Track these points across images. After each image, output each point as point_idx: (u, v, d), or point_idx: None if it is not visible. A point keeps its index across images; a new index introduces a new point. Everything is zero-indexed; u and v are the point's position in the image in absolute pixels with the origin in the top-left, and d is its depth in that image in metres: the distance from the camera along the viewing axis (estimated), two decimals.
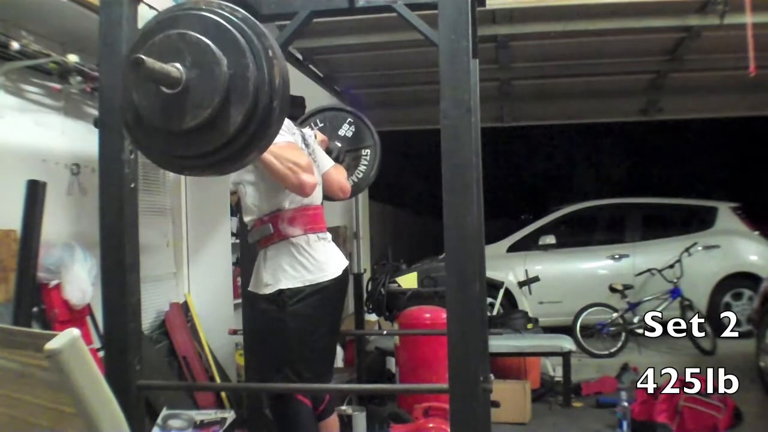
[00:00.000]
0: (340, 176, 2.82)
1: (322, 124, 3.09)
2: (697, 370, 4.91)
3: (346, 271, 2.62)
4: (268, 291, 2.49)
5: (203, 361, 4.02)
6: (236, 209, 3.82)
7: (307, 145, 2.65)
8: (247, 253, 2.83)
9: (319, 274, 2.49)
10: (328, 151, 2.94)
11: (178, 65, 1.43)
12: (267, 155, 2.20)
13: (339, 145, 3.03)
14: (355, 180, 3.06)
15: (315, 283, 2.47)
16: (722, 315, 7.09)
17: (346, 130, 3.08)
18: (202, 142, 1.45)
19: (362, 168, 3.08)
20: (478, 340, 1.73)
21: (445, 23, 1.67)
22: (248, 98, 1.42)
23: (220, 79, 1.41)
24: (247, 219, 2.62)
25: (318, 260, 2.50)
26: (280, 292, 2.46)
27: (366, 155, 3.08)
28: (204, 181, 4.33)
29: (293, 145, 2.44)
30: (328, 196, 2.81)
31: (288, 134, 2.42)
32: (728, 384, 4.39)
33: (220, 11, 1.47)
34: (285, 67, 1.49)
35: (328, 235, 2.66)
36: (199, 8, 1.49)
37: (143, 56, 1.36)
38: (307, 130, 2.78)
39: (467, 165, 1.66)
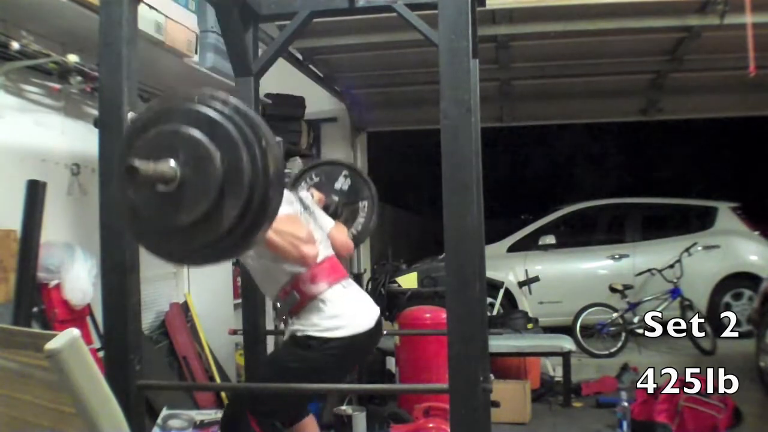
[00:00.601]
0: (341, 235, 2.81)
1: (318, 179, 3.09)
2: (697, 370, 4.92)
3: (378, 323, 2.59)
4: (297, 334, 2.48)
5: (203, 361, 4.02)
6: None
7: (306, 208, 2.65)
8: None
9: (351, 326, 2.47)
10: (326, 207, 2.94)
11: (171, 162, 1.41)
12: (269, 232, 2.19)
13: (336, 198, 3.03)
14: (354, 233, 3.06)
15: (346, 336, 2.45)
16: (722, 315, 7.10)
17: (342, 183, 3.08)
18: (199, 237, 1.45)
19: (360, 220, 3.08)
20: (478, 340, 1.73)
21: (445, 23, 1.67)
22: (243, 191, 1.41)
23: (215, 175, 1.40)
24: (268, 296, 2.61)
25: (348, 313, 2.48)
26: (309, 337, 2.44)
27: (363, 207, 3.09)
28: None
29: (292, 218, 2.42)
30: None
31: (286, 204, 2.41)
32: (728, 384, 4.40)
33: (211, 103, 1.45)
34: (279, 153, 1.49)
35: (352, 282, 2.65)
36: (190, 101, 1.47)
37: (137, 164, 1.36)
38: (303, 193, 2.78)
39: (467, 165, 1.67)
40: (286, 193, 2.51)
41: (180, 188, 1.42)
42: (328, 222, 2.77)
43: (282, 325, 2.60)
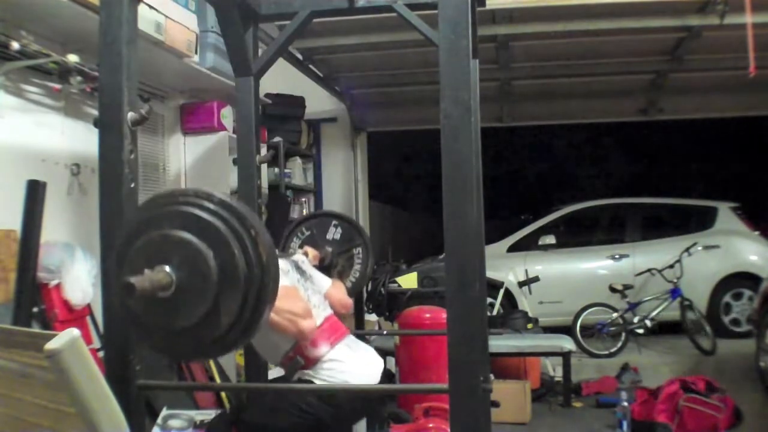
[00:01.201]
0: (339, 293, 2.81)
1: (309, 232, 3.09)
2: (697, 370, 4.92)
3: (383, 375, 2.60)
4: (303, 377, 2.48)
5: (203, 361, 4.02)
6: None
7: (302, 274, 2.64)
8: None
9: (355, 381, 2.48)
10: (322, 259, 2.94)
11: (167, 268, 1.41)
12: None
13: (329, 249, 3.03)
14: (353, 281, 3.06)
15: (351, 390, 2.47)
16: (722, 315, 7.11)
17: (333, 233, 3.09)
18: (202, 336, 1.46)
19: (357, 267, 3.08)
20: (478, 340, 1.73)
21: (445, 23, 1.67)
22: (240, 285, 1.41)
23: (210, 274, 1.40)
24: (272, 363, 2.60)
25: (352, 371, 2.49)
26: (312, 382, 2.45)
27: (358, 254, 3.09)
28: (204, 181, 4.34)
29: (289, 292, 2.41)
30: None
31: (282, 276, 2.40)
32: (728, 384, 4.40)
33: (196, 201, 1.45)
34: (269, 240, 1.48)
35: (354, 338, 2.66)
36: (175, 202, 1.47)
37: (132, 280, 1.36)
38: (298, 256, 2.77)
39: (467, 165, 1.66)
40: (281, 262, 2.49)
41: (178, 292, 1.42)
42: (325, 282, 2.77)
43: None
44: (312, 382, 2.44)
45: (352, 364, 2.50)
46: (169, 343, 1.51)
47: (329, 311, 2.63)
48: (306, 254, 2.86)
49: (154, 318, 1.45)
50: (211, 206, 1.44)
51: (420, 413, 3.60)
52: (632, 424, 4.00)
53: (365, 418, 2.76)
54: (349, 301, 2.89)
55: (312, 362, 2.46)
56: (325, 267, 2.95)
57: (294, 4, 2.66)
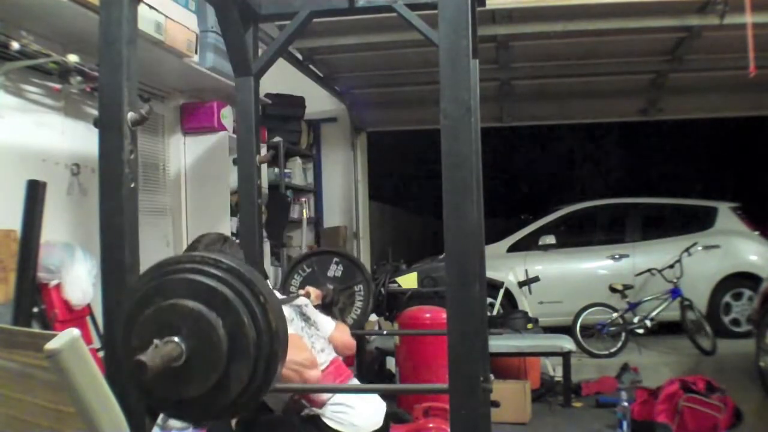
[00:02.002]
0: (343, 335, 2.82)
1: (310, 269, 3.11)
2: (697, 370, 4.92)
3: (386, 420, 2.59)
4: (309, 413, 2.48)
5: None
6: (236, 209, 3.82)
7: (306, 320, 2.64)
8: (248, 254, 2.82)
9: (358, 426, 2.48)
10: (323, 298, 2.95)
11: (176, 339, 1.40)
12: None
13: (330, 287, 3.05)
14: (354, 318, 3.08)
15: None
16: (722, 315, 7.12)
17: (334, 270, 3.11)
18: (214, 402, 1.45)
19: (358, 304, 3.11)
20: (478, 340, 1.73)
21: (445, 23, 1.67)
22: (250, 352, 1.41)
23: (219, 343, 1.39)
24: (276, 409, 2.60)
25: (361, 414, 2.49)
26: (321, 420, 2.45)
27: (359, 291, 3.11)
28: (204, 181, 4.34)
29: (293, 341, 2.40)
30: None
31: (288, 321, 2.42)
32: (728, 384, 4.40)
33: (203, 268, 1.44)
34: (278, 305, 1.48)
35: (356, 380, 2.67)
36: (182, 270, 1.46)
37: (144, 359, 1.34)
38: (301, 300, 2.77)
39: (467, 165, 1.66)
40: (285, 310, 2.50)
41: (188, 362, 1.41)
42: (328, 326, 2.77)
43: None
44: (320, 419, 2.45)
45: (359, 407, 2.50)
46: (181, 410, 1.51)
47: (333, 354, 2.64)
48: (308, 295, 2.87)
49: (165, 389, 1.45)
50: (219, 273, 1.43)
51: (420, 413, 3.60)
52: (632, 424, 4.00)
53: None
54: (353, 342, 2.89)
55: (318, 405, 2.47)
56: (326, 305, 2.96)
57: (294, 4, 2.66)
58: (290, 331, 2.38)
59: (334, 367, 2.57)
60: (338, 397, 2.48)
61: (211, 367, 1.40)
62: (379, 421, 2.56)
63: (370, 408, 2.58)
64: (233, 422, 2.56)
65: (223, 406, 1.46)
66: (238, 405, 1.47)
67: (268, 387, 1.48)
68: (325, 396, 2.47)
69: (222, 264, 1.45)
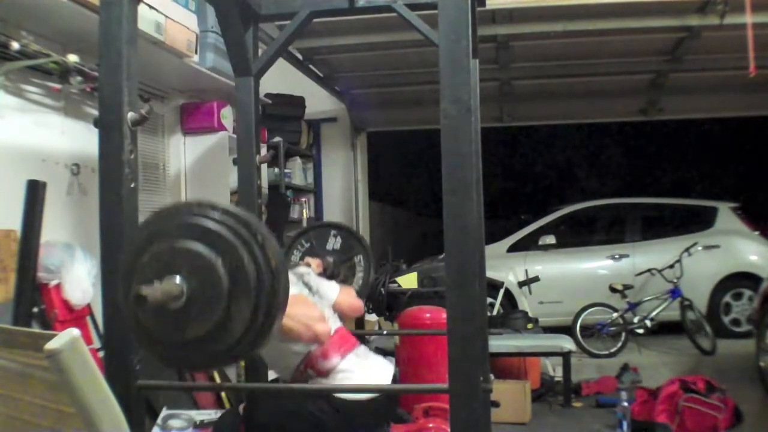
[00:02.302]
0: (349, 298, 2.81)
1: (309, 244, 3.10)
2: (697, 370, 4.91)
3: (394, 381, 2.58)
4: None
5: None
6: None
7: (309, 288, 2.63)
8: None
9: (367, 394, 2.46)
10: (324, 270, 2.95)
11: (177, 279, 1.41)
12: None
13: (331, 259, 3.04)
14: (356, 289, 3.05)
15: (361, 401, 2.43)
16: (722, 315, 7.12)
17: (333, 243, 3.10)
18: (215, 345, 1.45)
19: (360, 275, 3.10)
20: (478, 340, 1.73)
21: (445, 23, 1.67)
22: (251, 292, 1.41)
23: (220, 282, 1.40)
24: (284, 378, 2.59)
25: (365, 381, 2.48)
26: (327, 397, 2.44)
27: (359, 261, 3.10)
28: (204, 181, 4.34)
29: (300, 298, 2.42)
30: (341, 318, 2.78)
31: (291, 286, 2.41)
32: (728, 384, 4.40)
33: (200, 212, 1.46)
34: (277, 246, 1.49)
35: (365, 348, 2.65)
36: (179, 214, 1.49)
37: (144, 291, 1.36)
38: (302, 269, 2.77)
39: (467, 165, 1.66)
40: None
41: (188, 303, 1.41)
42: (332, 292, 2.76)
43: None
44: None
45: (363, 374, 2.49)
46: (180, 353, 1.51)
47: (339, 323, 2.63)
48: (308, 265, 2.86)
49: (166, 330, 1.45)
50: (216, 215, 1.45)
51: (420, 413, 3.60)
52: (632, 424, 4.00)
53: (383, 423, 2.73)
54: (360, 304, 2.88)
55: (324, 374, 2.46)
56: (327, 278, 2.95)
57: (294, 4, 2.66)
58: (296, 292, 2.40)
59: (339, 336, 2.55)
60: (343, 365, 2.46)
61: (212, 307, 1.40)
62: (385, 382, 2.53)
63: (375, 372, 2.56)
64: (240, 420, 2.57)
65: (227, 347, 1.45)
66: (240, 348, 1.46)
67: (270, 327, 1.47)
68: (330, 363, 2.45)
69: (218, 207, 1.47)
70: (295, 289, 2.42)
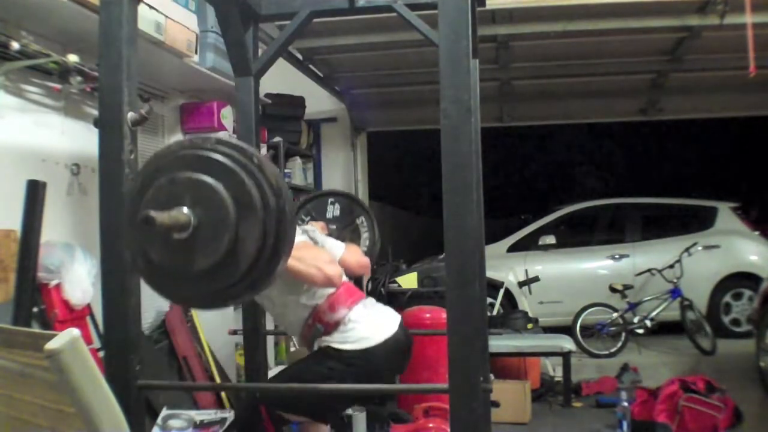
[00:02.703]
0: (355, 255, 2.81)
1: (308, 217, 3.10)
2: (697, 370, 4.91)
3: (403, 329, 2.59)
4: (321, 344, 2.49)
5: (203, 361, 4.02)
6: None
7: (316, 242, 2.65)
8: None
9: (374, 339, 2.47)
10: (329, 236, 2.95)
11: (185, 209, 1.43)
12: (290, 259, 2.22)
13: (333, 227, 3.05)
14: (365, 249, 3.06)
15: (368, 347, 2.46)
16: (722, 315, 7.12)
17: (332, 211, 3.11)
18: (220, 279, 1.46)
19: (365, 236, 3.10)
20: (478, 340, 1.73)
21: (445, 23, 1.67)
22: (257, 210, 1.43)
23: (228, 215, 1.42)
24: (292, 334, 2.62)
25: (371, 330, 2.49)
26: (332, 348, 2.46)
27: (362, 223, 3.10)
28: None
29: (308, 244, 2.45)
30: (349, 276, 2.79)
31: (299, 235, 2.42)
32: (728, 384, 4.40)
33: (194, 145, 1.50)
34: (274, 167, 1.51)
35: (371, 300, 2.66)
36: (174, 151, 1.53)
37: (153, 214, 1.37)
38: (307, 227, 2.78)
39: (467, 165, 1.66)
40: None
41: (195, 234, 1.42)
42: (338, 249, 2.76)
43: (307, 350, 2.60)
44: (331, 347, 2.45)
45: (368, 323, 2.50)
46: (185, 287, 1.51)
47: (344, 278, 2.64)
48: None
49: (171, 261, 1.46)
50: (209, 145, 1.48)
51: (420, 413, 3.60)
52: (632, 424, 4.00)
53: (394, 373, 2.75)
54: (366, 260, 2.88)
55: (332, 327, 2.47)
56: None
57: (294, 4, 2.66)
58: (304, 239, 2.43)
59: (345, 288, 2.57)
60: (350, 316, 2.48)
61: (219, 238, 1.42)
62: (392, 329, 2.54)
63: (382, 319, 2.57)
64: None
65: (232, 282, 1.45)
66: (247, 282, 1.46)
67: (278, 262, 1.47)
68: (338, 315, 2.47)
69: (210, 138, 1.51)
70: (301, 237, 2.44)
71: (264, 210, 1.43)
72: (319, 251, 2.45)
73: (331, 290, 2.50)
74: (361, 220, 3.10)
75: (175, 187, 1.45)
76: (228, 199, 1.42)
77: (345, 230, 3.07)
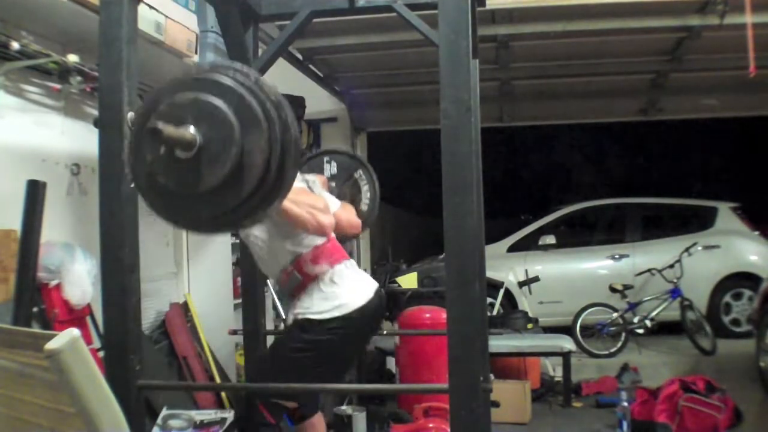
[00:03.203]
0: (348, 215, 2.82)
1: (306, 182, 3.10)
2: (697, 370, 4.90)
3: (379, 296, 2.60)
4: (297, 317, 2.50)
5: (203, 361, 4.02)
6: None
7: (312, 192, 2.65)
8: (247, 253, 2.83)
9: (349, 305, 2.48)
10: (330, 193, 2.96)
11: (191, 128, 1.43)
12: (285, 201, 2.19)
13: (333, 185, 3.04)
14: (367, 203, 3.06)
15: (345, 314, 2.47)
16: (722, 315, 7.11)
17: (329, 169, 3.10)
18: (216, 204, 1.46)
19: (365, 188, 3.09)
20: (478, 340, 1.73)
21: (445, 23, 1.67)
22: (260, 122, 1.43)
23: (228, 120, 1.43)
24: (271, 277, 2.62)
25: (346, 293, 2.50)
26: (308, 320, 2.47)
27: (361, 176, 3.09)
28: None
29: (305, 190, 2.46)
30: (340, 236, 2.78)
31: (298, 181, 2.43)
32: (728, 384, 4.40)
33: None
34: (271, 84, 1.52)
35: (353, 262, 2.67)
36: (172, 82, 1.54)
37: (160, 126, 1.37)
38: (308, 176, 2.77)
39: (467, 165, 1.67)
40: None
41: (200, 153, 1.43)
42: (334, 203, 2.77)
43: (282, 325, 2.62)
44: (306, 319, 2.46)
45: (346, 288, 2.51)
46: (181, 208, 1.52)
47: (332, 234, 2.64)
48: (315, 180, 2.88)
49: (171, 178, 1.47)
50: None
51: (420, 413, 3.60)
52: (632, 424, 4.00)
53: (370, 335, 2.79)
54: (359, 222, 2.89)
55: (310, 279, 2.48)
56: None
57: (294, 4, 2.66)
58: (303, 186, 2.44)
59: (331, 245, 2.58)
60: (330, 273, 2.49)
61: (228, 145, 1.43)
62: (369, 295, 2.56)
63: (358, 283, 2.58)
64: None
65: (228, 209, 1.46)
66: (242, 212, 1.48)
67: (275, 198, 1.48)
68: (318, 269, 2.48)
69: (205, 65, 1.57)
70: (300, 184, 2.45)
71: (267, 121, 1.44)
72: (316, 197, 2.45)
73: (318, 241, 2.51)
74: (360, 174, 3.09)
75: (177, 109, 1.46)
76: (231, 115, 1.43)
77: (344, 185, 3.06)
